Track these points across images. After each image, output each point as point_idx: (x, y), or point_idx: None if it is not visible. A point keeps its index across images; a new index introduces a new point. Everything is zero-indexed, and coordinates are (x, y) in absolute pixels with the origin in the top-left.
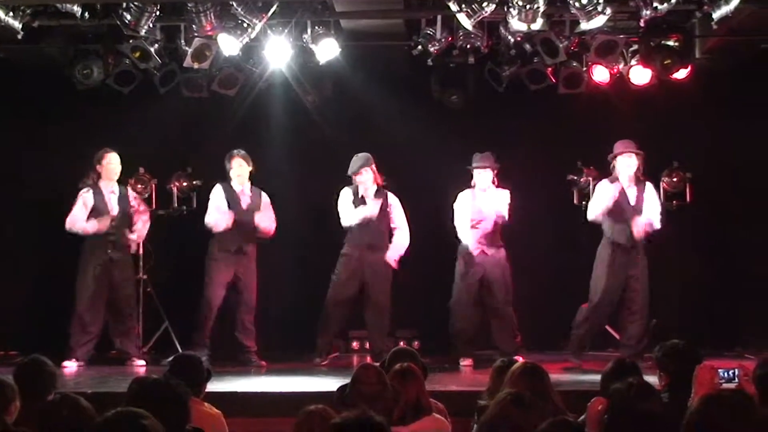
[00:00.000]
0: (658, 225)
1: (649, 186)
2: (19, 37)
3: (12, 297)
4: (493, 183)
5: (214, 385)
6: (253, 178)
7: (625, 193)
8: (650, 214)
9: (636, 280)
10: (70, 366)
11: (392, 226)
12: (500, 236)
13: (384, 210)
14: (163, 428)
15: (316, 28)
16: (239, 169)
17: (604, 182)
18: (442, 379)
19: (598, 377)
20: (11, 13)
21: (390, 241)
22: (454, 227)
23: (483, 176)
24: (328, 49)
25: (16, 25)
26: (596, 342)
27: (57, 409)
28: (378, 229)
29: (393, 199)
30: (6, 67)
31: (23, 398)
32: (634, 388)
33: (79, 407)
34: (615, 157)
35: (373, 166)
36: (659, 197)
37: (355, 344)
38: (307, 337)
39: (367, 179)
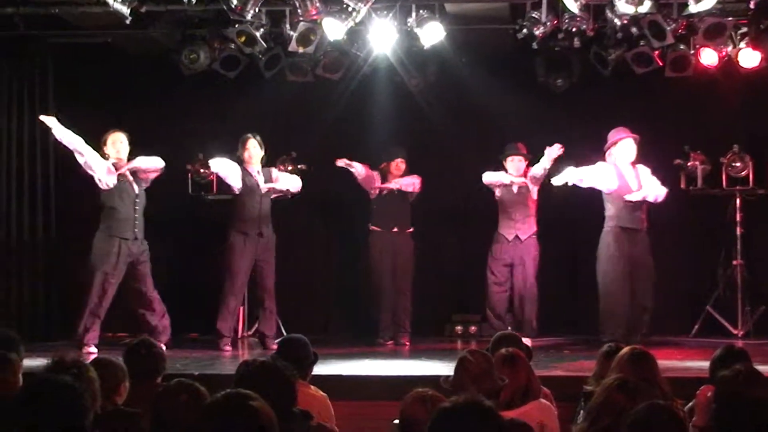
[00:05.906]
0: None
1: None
2: (127, 22)
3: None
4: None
5: (320, 368)
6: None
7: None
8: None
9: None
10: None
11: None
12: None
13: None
14: (271, 410)
15: (421, 11)
16: (253, 150)
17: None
18: (547, 364)
19: (707, 363)
20: None
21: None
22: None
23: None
24: (432, 33)
25: (124, 10)
26: (704, 328)
27: (175, 393)
28: None
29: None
30: (113, 53)
31: (132, 380)
32: (741, 375)
33: (198, 393)
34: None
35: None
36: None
37: (458, 328)
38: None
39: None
